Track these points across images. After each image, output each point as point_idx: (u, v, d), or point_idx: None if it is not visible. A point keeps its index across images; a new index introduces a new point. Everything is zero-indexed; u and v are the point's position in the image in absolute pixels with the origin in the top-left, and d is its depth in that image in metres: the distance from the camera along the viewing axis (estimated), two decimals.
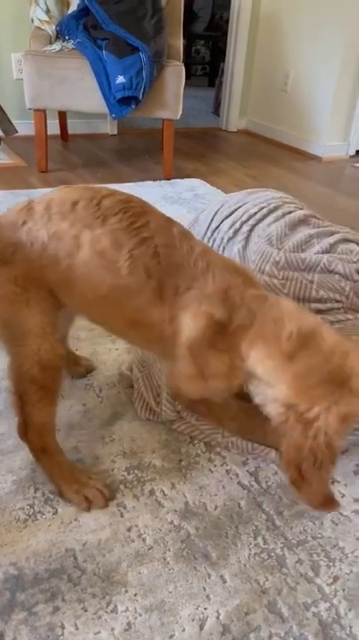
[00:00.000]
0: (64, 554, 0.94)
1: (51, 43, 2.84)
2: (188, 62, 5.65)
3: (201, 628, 0.84)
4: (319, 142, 3.78)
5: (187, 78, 2.89)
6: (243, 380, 0.96)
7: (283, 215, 1.31)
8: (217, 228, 1.35)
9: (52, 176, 2.95)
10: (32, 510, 1.01)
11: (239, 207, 1.35)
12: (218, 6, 6.33)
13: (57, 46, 2.77)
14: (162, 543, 0.97)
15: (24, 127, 3.21)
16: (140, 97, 2.68)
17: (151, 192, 2.79)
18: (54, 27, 2.90)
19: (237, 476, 1.12)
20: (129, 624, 0.84)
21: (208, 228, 1.37)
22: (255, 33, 4.11)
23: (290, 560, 0.96)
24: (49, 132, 2.93)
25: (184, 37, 3.21)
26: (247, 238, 1.28)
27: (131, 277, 0.92)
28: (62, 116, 3.51)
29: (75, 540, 0.96)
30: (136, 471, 1.11)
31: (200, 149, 3.81)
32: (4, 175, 2.91)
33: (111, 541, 0.97)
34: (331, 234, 1.31)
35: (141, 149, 3.63)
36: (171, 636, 0.83)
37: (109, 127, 3.92)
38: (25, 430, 1.01)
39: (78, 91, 2.75)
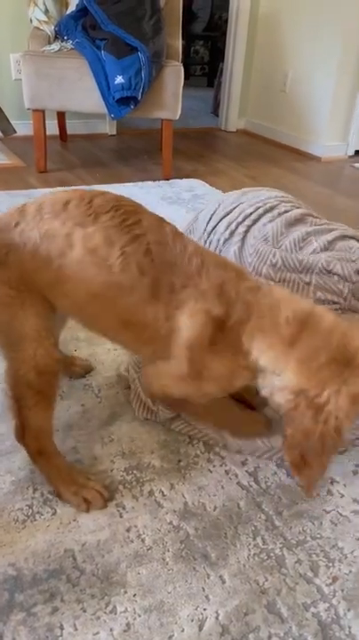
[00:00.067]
0: (63, 554, 0.94)
1: (49, 43, 2.84)
2: (187, 62, 5.64)
3: (200, 628, 0.84)
4: (318, 142, 3.78)
5: (185, 78, 2.89)
6: (250, 377, 0.96)
7: (279, 215, 1.30)
8: (213, 229, 1.35)
9: (51, 176, 2.95)
10: (31, 511, 1.01)
11: (235, 207, 1.35)
12: (217, 6, 6.33)
13: (55, 46, 2.77)
14: (161, 544, 0.97)
15: (23, 127, 3.22)
16: (139, 97, 2.68)
17: (150, 192, 2.79)
18: (53, 27, 2.90)
19: (236, 476, 1.12)
20: (128, 624, 0.84)
21: (205, 230, 1.37)
22: (254, 33, 4.11)
23: (289, 560, 0.96)
24: (48, 133, 2.93)
25: (183, 38, 3.22)
26: (243, 239, 1.28)
27: (124, 274, 0.92)
28: (61, 116, 3.51)
29: (74, 540, 0.96)
30: (135, 471, 1.11)
31: (199, 150, 3.81)
32: (3, 175, 2.91)
33: (110, 542, 0.96)
34: (329, 231, 1.30)
35: (140, 150, 3.63)
36: (171, 637, 0.83)
37: (108, 127, 3.92)
38: (22, 433, 1.00)
39: (77, 91, 2.75)
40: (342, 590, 0.91)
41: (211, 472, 1.13)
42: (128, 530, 0.99)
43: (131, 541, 0.97)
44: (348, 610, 0.88)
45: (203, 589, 0.90)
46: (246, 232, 1.28)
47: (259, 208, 1.32)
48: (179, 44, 3.04)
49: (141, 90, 2.65)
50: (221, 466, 1.14)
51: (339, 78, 3.57)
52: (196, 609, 0.87)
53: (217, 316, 0.91)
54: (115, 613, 0.85)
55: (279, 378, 0.91)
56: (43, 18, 2.89)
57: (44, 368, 0.95)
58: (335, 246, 1.26)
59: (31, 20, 2.92)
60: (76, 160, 3.30)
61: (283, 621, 0.86)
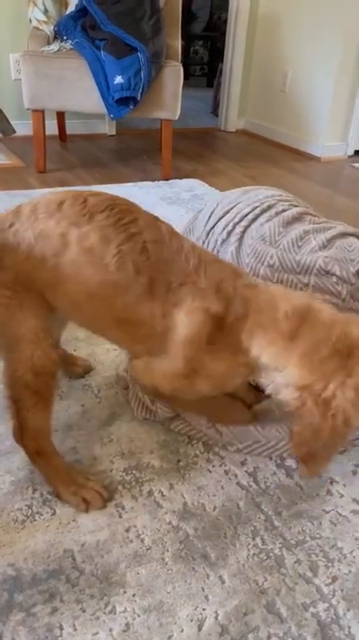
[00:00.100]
0: (62, 554, 0.94)
1: (49, 43, 2.84)
2: (187, 63, 5.65)
3: (199, 628, 0.84)
4: (317, 142, 3.78)
5: (185, 79, 2.89)
6: (251, 375, 0.96)
7: (277, 214, 1.29)
8: (211, 229, 1.34)
9: (51, 176, 2.95)
10: (30, 511, 1.01)
11: (233, 207, 1.34)
12: (216, 7, 6.33)
13: (55, 47, 2.77)
14: (160, 544, 0.97)
15: (22, 127, 3.22)
16: (139, 97, 2.68)
17: (149, 192, 2.79)
18: (52, 27, 2.90)
19: (236, 476, 1.12)
20: (127, 625, 0.84)
21: (203, 230, 1.37)
22: (253, 33, 4.11)
23: (288, 560, 0.96)
24: (47, 133, 2.93)
25: (182, 38, 3.22)
26: (240, 239, 1.27)
27: (120, 273, 0.92)
28: (60, 116, 3.51)
29: (73, 540, 0.96)
30: (134, 472, 1.11)
31: (198, 150, 3.81)
32: (3, 175, 2.91)
33: (109, 542, 0.96)
34: (329, 229, 1.28)
35: (140, 150, 3.63)
36: (170, 637, 0.83)
37: (108, 127, 3.92)
38: (20, 434, 1.00)
39: (76, 91, 2.75)
40: (341, 590, 0.91)
41: (210, 472, 1.13)
42: (127, 530, 0.99)
43: (131, 541, 0.97)
44: (348, 610, 0.88)
45: (203, 589, 0.90)
46: (243, 232, 1.28)
47: (256, 208, 1.31)
48: (178, 44, 3.04)
49: (141, 90, 2.65)
50: (221, 466, 1.14)
51: (339, 78, 3.57)
52: (196, 609, 0.87)
53: (215, 314, 0.92)
54: (115, 613, 0.85)
55: (282, 374, 0.91)
56: (43, 18, 2.89)
57: (42, 369, 0.95)
58: (334, 244, 1.24)
59: (30, 20, 2.92)
60: (76, 160, 3.30)
61: (283, 621, 0.86)
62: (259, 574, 0.93)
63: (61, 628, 0.83)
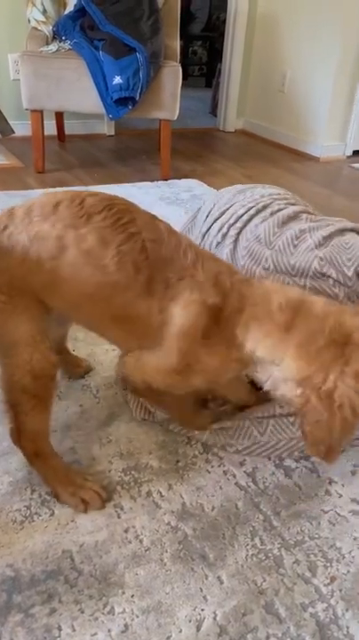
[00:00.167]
0: (61, 555, 0.94)
1: (47, 43, 2.84)
2: (185, 63, 5.63)
3: (198, 629, 0.84)
4: (316, 143, 3.78)
5: (184, 79, 2.89)
6: (244, 370, 0.96)
7: (272, 214, 1.27)
8: (207, 232, 1.34)
9: (49, 177, 2.94)
10: (29, 512, 1.01)
11: (228, 208, 1.33)
12: (215, 7, 6.32)
13: (53, 47, 2.77)
14: (159, 544, 0.97)
15: (21, 128, 3.22)
16: (137, 97, 2.68)
17: (148, 193, 2.79)
18: (51, 27, 2.90)
19: (235, 476, 1.12)
20: (126, 625, 0.84)
21: (199, 233, 1.36)
22: (252, 34, 4.11)
23: (287, 560, 0.96)
24: (46, 133, 2.93)
25: (181, 38, 3.22)
26: (235, 241, 1.26)
27: (120, 273, 0.92)
28: (59, 116, 3.51)
29: (71, 541, 0.96)
30: (133, 472, 1.11)
31: (197, 150, 3.81)
32: (1, 176, 2.91)
33: (108, 543, 0.96)
34: (326, 226, 1.25)
35: (139, 150, 3.63)
36: (168, 638, 0.83)
37: (106, 128, 3.92)
38: (18, 437, 1.00)
39: (75, 91, 2.74)
40: (340, 590, 0.91)
41: (209, 472, 1.13)
42: (126, 530, 0.99)
43: (129, 542, 0.97)
44: (346, 610, 0.88)
45: (201, 590, 0.90)
46: (238, 234, 1.27)
47: (250, 209, 1.29)
48: (177, 44, 3.04)
49: (139, 90, 2.65)
50: (219, 466, 1.14)
51: (338, 78, 3.57)
52: (194, 609, 0.87)
53: (212, 306, 0.92)
54: (113, 614, 0.85)
55: (279, 367, 0.92)
56: (41, 18, 2.89)
57: (41, 372, 0.95)
58: (331, 242, 1.21)
59: (29, 21, 2.92)
60: (75, 160, 3.30)
61: (281, 622, 0.86)
62: (257, 574, 0.93)
63: (60, 629, 0.83)
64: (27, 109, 2.81)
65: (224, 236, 1.28)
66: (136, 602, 0.87)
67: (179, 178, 3.08)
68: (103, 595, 0.88)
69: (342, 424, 0.86)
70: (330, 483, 1.12)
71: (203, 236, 1.34)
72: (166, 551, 0.96)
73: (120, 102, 2.70)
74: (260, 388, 0.99)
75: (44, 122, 2.88)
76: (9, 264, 0.92)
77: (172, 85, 2.79)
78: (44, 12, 2.90)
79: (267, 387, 0.95)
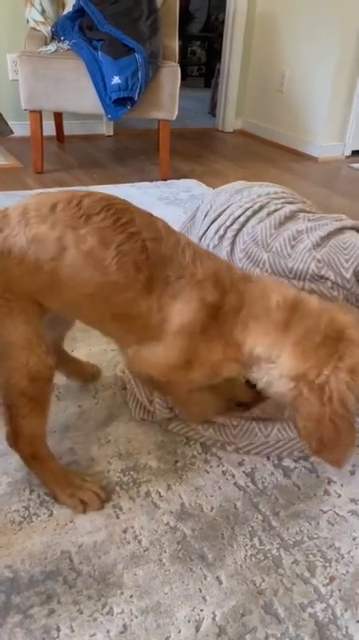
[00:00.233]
0: (59, 556, 0.94)
1: (46, 43, 2.84)
2: (184, 63, 5.64)
3: (197, 629, 0.84)
4: (315, 143, 3.78)
5: (182, 79, 2.89)
6: (238, 370, 0.97)
7: (269, 215, 1.26)
8: (204, 234, 1.33)
9: (48, 177, 2.94)
10: (27, 512, 1.01)
11: (225, 209, 1.32)
12: (213, 7, 6.33)
13: (52, 47, 2.76)
14: (158, 545, 0.97)
15: (20, 128, 3.22)
16: (136, 98, 2.68)
17: (147, 193, 2.79)
18: (49, 27, 2.90)
19: (233, 476, 1.12)
20: (124, 626, 0.84)
21: (196, 236, 1.36)
22: (251, 34, 4.11)
23: (286, 561, 0.96)
24: (45, 133, 2.93)
25: (180, 38, 3.21)
26: (232, 243, 1.26)
27: (121, 273, 0.92)
28: (58, 116, 3.51)
29: (70, 541, 0.96)
30: (132, 472, 1.11)
31: (196, 150, 3.81)
32: (0, 176, 2.91)
33: (107, 543, 0.96)
34: (324, 225, 1.24)
35: (137, 150, 3.63)
36: (167, 638, 0.83)
37: (105, 128, 3.92)
38: (15, 439, 0.99)
39: (74, 92, 2.74)
40: (339, 590, 0.91)
41: (207, 473, 1.13)
42: (125, 531, 0.99)
43: (128, 542, 0.97)
44: (345, 610, 0.88)
45: (200, 590, 0.90)
46: (235, 236, 1.26)
47: (247, 210, 1.28)
48: (175, 44, 3.04)
49: (138, 90, 2.65)
50: (218, 466, 1.14)
51: (336, 78, 3.58)
52: (193, 610, 0.87)
53: (211, 303, 0.93)
54: (112, 615, 0.85)
55: (274, 365, 0.93)
56: (40, 18, 2.89)
57: (38, 375, 0.94)
58: (328, 242, 1.19)
59: (28, 21, 2.92)
60: (74, 161, 3.30)
61: (280, 622, 0.86)
62: (256, 575, 0.93)
63: (58, 630, 0.83)
64: (25, 110, 2.81)
65: (221, 238, 1.28)
66: (135, 602, 0.87)
67: (178, 178, 3.08)
68: (102, 595, 0.88)
69: (331, 416, 0.87)
70: (329, 483, 1.12)
71: (201, 239, 1.33)
72: (165, 551, 0.96)
73: (119, 102, 2.70)
74: (255, 386, 0.99)
75: (43, 122, 2.88)
76: (5, 266, 0.91)
77: (171, 85, 2.79)
78: (43, 12, 2.90)
79: (262, 385, 0.96)
